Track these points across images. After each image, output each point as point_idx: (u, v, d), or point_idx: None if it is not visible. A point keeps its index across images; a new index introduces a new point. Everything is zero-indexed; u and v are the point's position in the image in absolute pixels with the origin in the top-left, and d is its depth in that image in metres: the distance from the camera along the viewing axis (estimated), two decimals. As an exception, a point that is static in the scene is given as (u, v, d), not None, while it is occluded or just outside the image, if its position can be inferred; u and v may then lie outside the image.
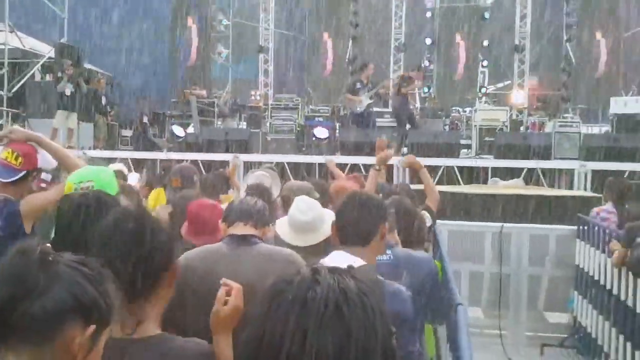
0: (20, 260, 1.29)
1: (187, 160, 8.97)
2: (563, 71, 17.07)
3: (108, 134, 13.87)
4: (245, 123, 14.66)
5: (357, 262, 2.18)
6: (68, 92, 12.20)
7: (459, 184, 10.21)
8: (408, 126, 12.29)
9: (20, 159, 3.02)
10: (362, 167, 9.60)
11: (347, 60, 17.71)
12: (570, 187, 10.17)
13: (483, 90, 16.73)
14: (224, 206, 2.98)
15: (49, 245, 1.35)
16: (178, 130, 13.75)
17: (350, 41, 17.71)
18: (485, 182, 10.29)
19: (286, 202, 3.68)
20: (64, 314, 1.26)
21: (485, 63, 17.57)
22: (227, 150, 11.04)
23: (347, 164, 10.07)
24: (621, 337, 5.35)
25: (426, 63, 17.51)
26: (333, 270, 1.05)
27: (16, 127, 3.21)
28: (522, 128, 14.12)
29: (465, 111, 15.10)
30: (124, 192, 3.24)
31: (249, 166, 9.98)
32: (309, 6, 20.23)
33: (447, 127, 14.41)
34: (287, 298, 1.00)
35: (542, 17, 18.25)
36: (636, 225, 5.18)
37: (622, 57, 17.66)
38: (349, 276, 1.04)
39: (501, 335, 6.70)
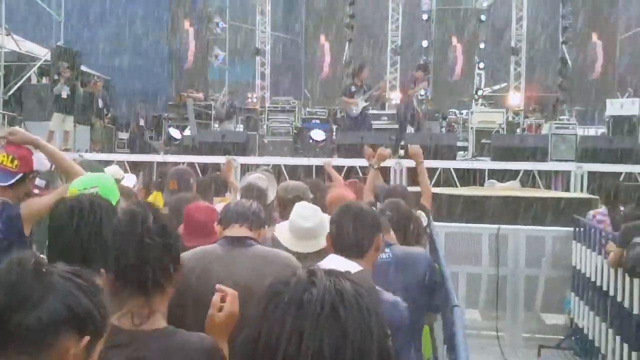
0: (15, 270, 1.30)
1: (183, 163, 8.97)
2: (559, 73, 17.11)
3: (105, 137, 13.86)
4: (242, 126, 14.66)
5: (354, 267, 2.19)
6: (64, 95, 12.18)
7: (456, 186, 10.23)
8: (411, 129, 12.27)
9: (16, 162, 3.02)
10: (359, 170, 9.61)
11: (343, 62, 17.73)
12: (567, 189, 10.19)
13: (479, 92, 16.75)
14: (219, 208, 2.98)
15: (43, 256, 1.36)
16: (175, 133, 13.75)
17: (347, 44, 17.73)
18: (482, 184, 10.30)
19: (281, 202, 3.69)
20: (59, 324, 1.26)
21: (481, 65, 17.60)
22: (224, 153, 11.04)
23: (344, 167, 10.07)
24: (618, 339, 5.36)
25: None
26: (329, 272, 1.05)
27: (16, 128, 3.20)
28: (518, 130, 14.16)
29: (461, 113, 15.12)
30: (123, 195, 3.24)
31: (245, 169, 9.98)
32: (305, 9, 20.25)
33: (443, 129, 14.42)
34: (283, 299, 1.00)
35: (538, 20, 18.30)
36: (632, 226, 5.20)
37: (617, 59, 17.72)
38: (345, 278, 1.05)
39: (498, 336, 6.71)
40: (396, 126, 13.18)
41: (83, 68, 15.10)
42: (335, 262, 2.21)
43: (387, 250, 2.97)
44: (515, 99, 16.45)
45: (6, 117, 13.41)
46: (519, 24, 17.36)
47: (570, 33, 16.90)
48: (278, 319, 0.98)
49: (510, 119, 14.76)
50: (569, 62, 16.95)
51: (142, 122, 15.04)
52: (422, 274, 3.00)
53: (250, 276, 2.31)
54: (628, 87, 14.52)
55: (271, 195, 4.17)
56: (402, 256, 3.00)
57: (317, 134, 12.30)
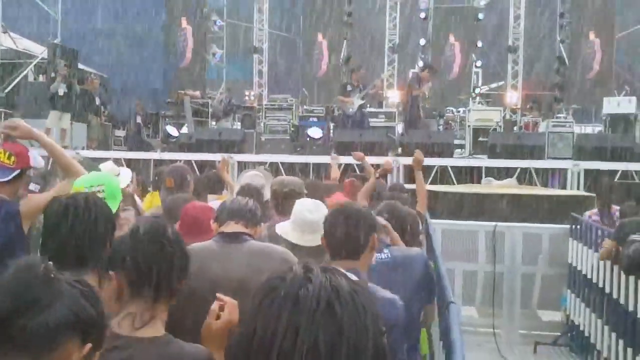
0: (24, 274, 1.31)
1: (180, 161, 8.95)
2: (556, 71, 17.13)
3: (101, 135, 13.83)
4: (239, 123, 14.64)
5: (352, 277, 2.20)
6: (61, 93, 12.16)
7: (453, 183, 10.24)
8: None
9: (13, 158, 3.03)
10: (356, 167, 9.62)
11: (341, 60, 17.72)
12: (564, 187, 10.22)
13: (477, 90, 16.76)
14: (216, 205, 2.98)
15: (50, 262, 1.37)
16: (172, 131, 13.73)
17: (345, 42, 17.72)
18: (479, 181, 10.32)
19: (276, 196, 3.68)
20: (64, 330, 1.27)
21: (479, 63, 17.61)
22: (221, 151, 11.03)
23: (340, 164, 10.08)
24: (614, 335, 5.38)
25: (420, 63, 17.53)
26: (325, 269, 1.06)
27: (16, 120, 3.17)
28: (515, 128, 14.15)
29: (459, 111, 15.11)
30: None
31: (243, 166, 9.99)
32: (303, 7, 20.23)
33: (441, 127, 14.43)
34: (279, 294, 1.00)
35: (536, 18, 18.30)
36: (629, 222, 5.21)
37: (614, 58, 17.73)
38: (341, 275, 1.05)
39: (495, 333, 6.73)
40: (393, 124, 13.21)
41: (80, 66, 15.07)
42: None
43: (385, 251, 2.99)
44: (513, 97, 16.46)
45: (3, 114, 13.38)
46: (517, 22, 17.37)
47: (567, 31, 16.91)
48: (274, 314, 0.98)
49: (507, 117, 14.76)
50: (566, 60, 16.97)
51: (139, 120, 15.00)
52: (419, 274, 3.03)
53: (246, 272, 2.32)
54: (625, 85, 14.54)
55: (267, 194, 4.17)
56: (400, 257, 3.02)
57: (315, 132, 12.30)
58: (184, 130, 13.65)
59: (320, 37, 18.20)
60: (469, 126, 12.72)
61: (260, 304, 1.01)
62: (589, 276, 6.08)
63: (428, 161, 10.50)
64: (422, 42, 17.69)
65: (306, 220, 2.82)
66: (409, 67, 17.78)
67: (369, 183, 4.78)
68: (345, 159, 10.13)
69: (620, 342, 5.21)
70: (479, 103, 15.35)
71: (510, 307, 6.95)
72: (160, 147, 13.44)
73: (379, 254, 2.95)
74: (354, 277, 2.13)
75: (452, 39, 17.49)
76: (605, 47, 16.72)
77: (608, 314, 5.57)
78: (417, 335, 3.09)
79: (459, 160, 11.35)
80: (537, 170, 10.50)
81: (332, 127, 13.18)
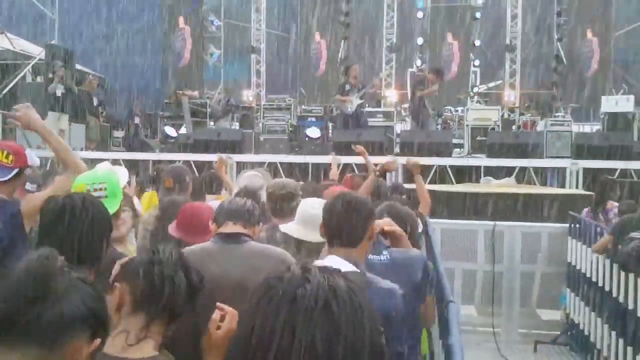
0: (44, 263, 1.31)
1: (179, 161, 8.95)
2: (554, 70, 17.14)
3: (100, 135, 13.82)
4: (237, 124, 14.64)
5: (351, 268, 2.20)
6: (59, 93, 12.16)
7: (452, 183, 10.25)
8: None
9: (11, 157, 3.02)
10: (354, 167, 9.62)
11: (339, 60, 17.72)
12: (562, 186, 10.22)
13: (475, 89, 16.77)
14: (214, 205, 2.98)
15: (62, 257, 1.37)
16: (170, 131, 13.73)
17: (343, 42, 17.71)
18: (477, 181, 10.33)
19: (272, 199, 3.68)
20: (78, 322, 1.27)
21: (477, 62, 17.61)
22: (219, 151, 11.02)
23: (339, 164, 10.07)
24: (613, 334, 5.37)
25: (418, 63, 17.54)
26: (323, 269, 1.07)
27: (30, 110, 3.14)
28: (514, 127, 14.16)
29: (457, 111, 15.13)
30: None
31: (241, 167, 9.98)
32: (300, 6, 20.21)
33: (439, 127, 14.44)
34: (277, 294, 1.01)
35: (533, 17, 18.31)
36: (629, 219, 5.21)
37: (612, 56, 17.75)
38: (339, 275, 1.06)
39: (494, 332, 6.72)
40: (392, 123, 13.22)
41: (78, 66, 15.05)
42: (333, 262, 2.21)
43: (384, 252, 2.98)
44: (511, 96, 16.47)
45: (0, 115, 13.35)
46: (514, 21, 17.39)
47: (565, 30, 16.92)
48: (271, 313, 0.99)
49: (505, 116, 14.78)
50: (564, 59, 16.98)
51: (137, 121, 15.00)
52: (419, 275, 3.01)
53: (245, 272, 2.31)
54: (623, 83, 14.56)
55: (265, 194, 4.16)
56: (399, 259, 3.01)
57: (313, 132, 12.30)
58: (183, 130, 13.65)
59: (318, 36, 18.19)
60: (467, 125, 12.73)
61: (258, 303, 1.02)
62: (588, 275, 6.08)
63: (427, 161, 10.53)
64: (420, 41, 17.68)
65: (310, 215, 2.83)
66: (407, 67, 17.80)
67: (368, 180, 4.77)
68: (345, 159, 10.14)
69: (620, 340, 5.21)
70: (477, 102, 15.35)
71: (510, 306, 6.95)
72: (158, 147, 13.44)
73: (378, 256, 2.94)
74: (351, 267, 2.14)
75: (450, 38, 17.48)
76: (603, 46, 16.73)
77: (608, 312, 5.57)
78: (418, 334, 3.09)
79: (457, 159, 11.36)
80: (535, 169, 10.51)
81: (330, 127, 13.19)
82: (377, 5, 18.62)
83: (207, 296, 1.98)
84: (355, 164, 9.70)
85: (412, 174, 5.40)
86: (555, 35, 17.03)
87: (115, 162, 9.77)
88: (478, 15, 17.53)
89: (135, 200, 4.06)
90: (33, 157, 3.17)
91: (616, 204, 6.64)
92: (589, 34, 16.62)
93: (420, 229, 4.39)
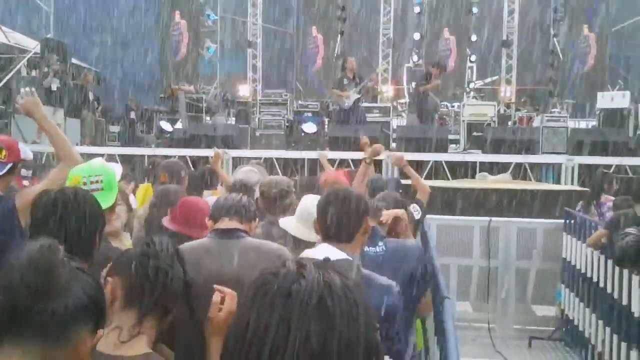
0: (47, 255, 1.29)
1: (175, 156, 8.93)
2: (550, 66, 17.15)
3: (95, 130, 13.78)
4: (233, 118, 14.62)
5: (344, 256, 2.19)
6: (54, 88, 12.12)
7: (448, 179, 10.26)
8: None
9: (4, 152, 3.01)
10: (351, 162, 9.61)
11: (335, 55, 17.69)
12: (558, 182, 10.24)
13: (471, 85, 16.77)
14: (211, 201, 2.97)
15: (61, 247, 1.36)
16: (166, 126, 13.70)
17: (339, 36, 17.68)
18: (473, 176, 10.34)
19: (266, 197, 3.68)
20: (81, 313, 1.26)
21: (473, 58, 17.61)
22: (215, 146, 11.00)
23: (336, 159, 10.07)
24: (608, 329, 5.40)
25: (414, 58, 17.52)
26: (319, 265, 1.07)
27: (33, 98, 3.13)
28: (510, 123, 14.19)
29: (453, 106, 15.14)
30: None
31: (237, 162, 9.96)
32: (297, 1, 20.17)
33: (435, 122, 14.44)
34: (272, 289, 1.01)
35: (530, 12, 18.31)
36: (624, 214, 5.22)
37: (608, 52, 17.77)
38: (335, 271, 1.06)
39: (489, 328, 6.74)
40: (388, 119, 13.22)
41: (73, 61, 14.99)
42: (326, 251, 2.20)
43: (380, 243, 2.98)
44: (507, 91, 16.48)
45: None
46: (511, 16, 17.38)
47: (561, 26, 16.92)
48: (266, 308, 1.00)
49: (501, 111, 14.80)
50: (560, 55, 16.99)
51: (133, 115, 14.96)
52: (415, 266, 3.02)
53: (242, 268, 2.31)
54: (619, 79, 14.58)
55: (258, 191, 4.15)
56: (395, 249, 3.01)
57: (309, 127, 12.29)
58: (178, 125, 13.62)
59: (315, 31, 18.16)
60: (463, 121, 12.74)
61: (254, 298, 1.03)
62: (582, 270, 6.10)
63: (423, 156, 10.55)
64: (417, 36, 17.66)
65: (310, 214, 2.81)
66: (403, 62, 17.79)
67: (360, 170, 4.73)
68: (341, 154, 10.14)
69: (615, 336, 5.23)
70: (473, 98, 15.36)
71: (505, 302, 6.97)
72: (154, 142, 13.41)
73: (373, 247, 2.94)
74: (343, 255, 2.14)
75: (446, 33, 17.47)
76: (599, 42, 16.75)
77: (602, 308, 5.59)
78: (411, 329, 3.09)
79: (453, 155, 11.37)
80: (531, 165, 10.53)
81: (326, 122, 13.17)
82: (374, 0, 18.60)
83: (204, 292, 1.98)
84: (351, 160, 9.69)
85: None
86: (551, 31, 17.02)
87: (110, 157, 9.76)
88: (475, 10, 17.51)
89: (131, 197, 4.05)
90: (26, 151, 3.16)
91: (611, 198, 6.66)
92: (586, 30, 16.64)
93: (418, 216, 4.40)
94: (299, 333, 0.96)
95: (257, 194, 3.89)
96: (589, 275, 5.92)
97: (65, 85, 12.44)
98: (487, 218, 6.97)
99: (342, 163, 9.75)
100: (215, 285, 1.94)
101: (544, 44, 17.82)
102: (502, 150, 10.91)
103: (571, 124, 12.61)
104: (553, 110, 14.06)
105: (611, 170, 9.66)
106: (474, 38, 17.56)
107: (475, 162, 10.64)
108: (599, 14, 17.97)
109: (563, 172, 10.23)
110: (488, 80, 17.20)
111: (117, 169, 3.67)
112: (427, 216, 5.21)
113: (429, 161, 10.46)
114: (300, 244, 2.80)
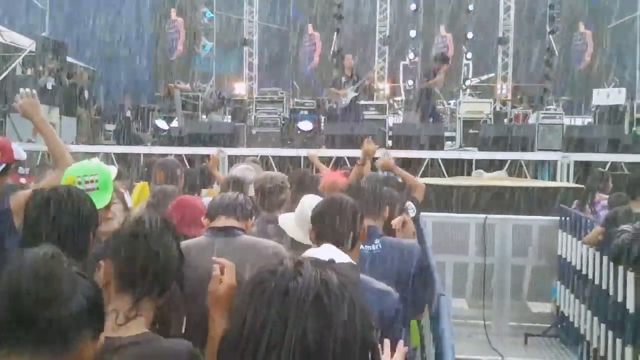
0: (49, 262, 1.29)
1: (171, 155, 8.92)
2: (546, 63, 17.16)
3: (91, 129, 13.75)
4: (229, 117, 14.60)
5: (345, 258, 2.20)
6: (50, 86, 12.08)
7: (443, 176, 10.27)
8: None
9: None
10: (347, 161, 9.61)
11: (331, 52, 17.67)
12: (553, 179, 10.26)
13: (467, 82, 16.77)
14: (207, 200, 2.98)
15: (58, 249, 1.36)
16: (162, 124, 13.66)
17: (335, 34, 17.66)
18: (469, 174, 10.35)
19: (261, 192, 3.69)
20: (85, 319, 1.26)
21: (469, 55, 17.60)
22: (211, 144, 10.99)
23: (332, 157, 10.08)
24: (603, 326, 5.41)
25: (411, 55, 17.51)
26: (316, 263, 1.08)
27: (32, 99, 3.12)
28: (505, 120, 14.20)
29: (449, 103, 15.14)
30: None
31: (233, 160, 9.96)
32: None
33: (431, 120, 14.44)
34: (269, 286, 1.02)
35: (526, 9, 18.32)
36: (620, 211, 5.23)
37: (604, 49, 17.79)
38: (332, 270, 1.07)
39: (485, 325, 6.76)
40: (384, 117, 13.21)
41: (69, 59, 14.95)
42: (330, 253, 2.20)
43: (377, 241, 2.97)
44: (503, 89, 16.49)
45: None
46: (507, 13, 17.38)
47: (557, 23, 16.94)
48: (264, 305, 1.01)
49: (497, 109, 14.80)
50: (556, 52, 17.01)
51: (128, 114, 14.92)
52: (412, 265, 3.00)
53: (238, 266, 2.31)
54: (614, 76, 14.60)
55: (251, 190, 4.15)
56: (391, 247, 2.99)
57: (305, 125, 12.28)
58: (174, 123, 13.59)
59: (311, 28, 18.13)
60: (459, 118, 12.74)
61: (251, 296, 1.03)
62: (578, 267, 6.12)
63: (418, 154, 10.56)
64: (413, 34, 17.65)
65: (308, 217, 2.81)
66: (400, 60, 17.77)
67: (352, 171, 4.75)
68: (337, 152, 10.16)
69: (610, 333, 5.25)
70: (469, 95, 15.36)
71: (501, 299, 6.99)
72: (150, 140, 13.39)
73: (369, 245, 2.94)
74: (346, 258, 2.14)
75: (443, 30, 17.46)
76: (595, 39, 16.76)
77: (597, 305, 5.61)
78: (406, 328, 3.09)
79: (449, 152, 11.38)
80: (527, 162, 10.55)
81: (323, 120, 13.16)
82: (370, -3, 18.58)
83: (201, 290, 1.98)
84: (347, 158, 9.70)
85: (405, 167, 5.40)
86: (547, 28, 17.03)
87: (106, 155, 9.75)
88: (471, 7, 17.51)
89: (127, 196, 4.05)
90: (20, 151, 3.15)
91: (605, 196, 6.67)
92: (582, 27, 16.65)
93: (413, 214, 4.40)
94: (295, 330, 0.97)
95: (251, 192, 3.90)
96: (584, 272, 5.93)
97: (60, 83, 12.41)
98: (483, 215, 6.98)
99: (339, 161, 9.76)
100: (213, 257, 1.94)
101: (540, 41, 17.83)
102: (498, 147, 10.93)
103: (567, 121, 12.63)
104: (549, 107, 14.06)
105: (607, 168, 9.69)
106: (470, 35, 17.55)
107: (471, 160, 10.65)
108: (595, 11, 17.99)
109: (559, 169, 10.25)
110: (484, 77, 17.20)
111: (113, 169, 3.67)
112: (423, 213, 5.23)
113: (424, 158, 10.47)
114: (297, 243, 2.81)
